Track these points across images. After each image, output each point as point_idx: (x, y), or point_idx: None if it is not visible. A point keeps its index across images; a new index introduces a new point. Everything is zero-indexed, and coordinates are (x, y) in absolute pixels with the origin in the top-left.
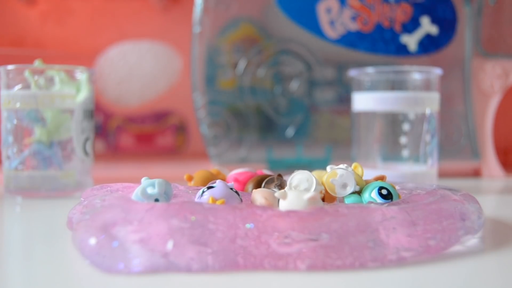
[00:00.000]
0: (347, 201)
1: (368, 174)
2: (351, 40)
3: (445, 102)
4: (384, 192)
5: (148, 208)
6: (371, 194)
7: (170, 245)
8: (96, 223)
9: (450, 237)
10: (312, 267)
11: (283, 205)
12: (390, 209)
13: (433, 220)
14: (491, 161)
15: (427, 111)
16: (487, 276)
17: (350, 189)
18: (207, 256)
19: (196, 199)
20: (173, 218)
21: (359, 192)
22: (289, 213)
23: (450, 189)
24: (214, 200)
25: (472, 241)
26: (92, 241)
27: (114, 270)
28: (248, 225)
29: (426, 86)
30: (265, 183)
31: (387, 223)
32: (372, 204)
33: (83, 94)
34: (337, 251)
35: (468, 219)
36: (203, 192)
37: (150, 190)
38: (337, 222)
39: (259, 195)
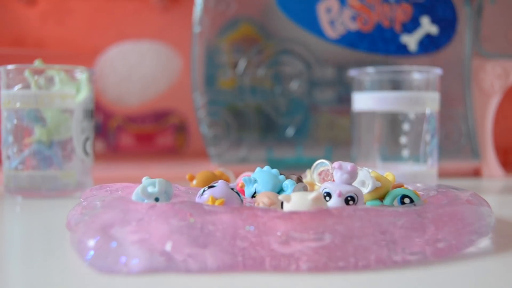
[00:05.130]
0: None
1: None
2: (351, 40)
3: (445, 102)
4: (406, 201)
5: (147, 208)
6: (393, 203)
7: (169, 245)
8: (95, 224)
9: (459, 240)
10: (314, 268)
11: (288, 208)
12: (398, 211)
13: (443, 223)
14: (491, 161)
15: (427, 111)
16: (492, 275)
17: (369, 186)
18: (206, 257)
19: (196, 198)
20: (172, 218)
21: (381, 199)
22: (290, 214)
23: (457, 189)
24: (214, 200)
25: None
26: (91, 242)
27: (113, 270)
28: (248, 227)
29: (426, 86)
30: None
31: (393, 225)
32: (379, 207)
33: (83, 94)
34: (340, 252)
35: (478, 221)
36: (204, 191)
37: (150, 189)
38: (340, 223)
39: (262, 195)
